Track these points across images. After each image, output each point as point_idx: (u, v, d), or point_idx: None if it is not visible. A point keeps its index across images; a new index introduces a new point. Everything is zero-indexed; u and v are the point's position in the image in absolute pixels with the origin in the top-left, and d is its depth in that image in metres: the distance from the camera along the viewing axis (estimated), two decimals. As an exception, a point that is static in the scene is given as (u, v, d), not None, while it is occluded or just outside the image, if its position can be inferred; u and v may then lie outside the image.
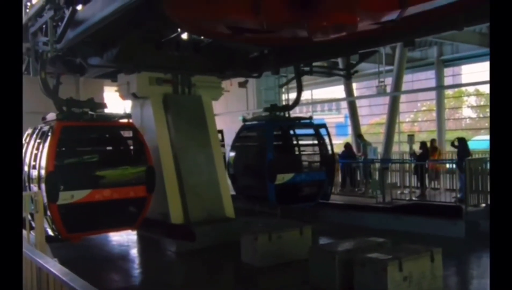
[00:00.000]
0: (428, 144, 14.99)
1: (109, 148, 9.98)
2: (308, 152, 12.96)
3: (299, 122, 12.90)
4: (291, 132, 12.75)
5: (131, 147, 9.78)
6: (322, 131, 12.57)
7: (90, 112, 9.26)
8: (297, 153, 12.59)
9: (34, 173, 8.63)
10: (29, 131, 9.62)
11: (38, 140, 8.89)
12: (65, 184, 8.34)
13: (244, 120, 13.45)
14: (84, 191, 8.47)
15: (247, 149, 12.67)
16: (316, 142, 12.52)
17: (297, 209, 11.83)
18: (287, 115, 12.83)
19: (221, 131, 16.21)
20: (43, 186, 8.24)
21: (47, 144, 8.42)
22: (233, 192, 12.37)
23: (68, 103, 9.30)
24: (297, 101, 12.91)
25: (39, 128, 9.25)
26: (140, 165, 9.24)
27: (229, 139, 16.05)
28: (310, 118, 12.83)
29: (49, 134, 8.56)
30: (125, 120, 9.72)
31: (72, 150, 9.16)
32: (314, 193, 12.04)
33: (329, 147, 12.39)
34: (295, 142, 12.76)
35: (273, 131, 12.14)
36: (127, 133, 9.73)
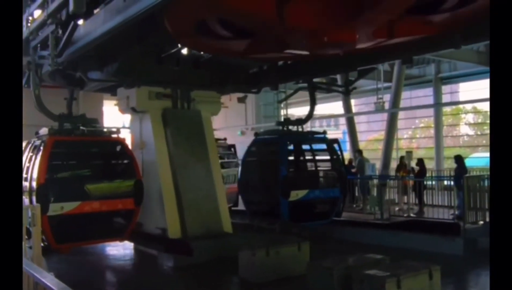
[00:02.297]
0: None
1: (99, 162, 10.03)
2: (322, 168, 12.42)
3: (312, 136, 12.58)
4: (304, 146, 12.30)
5: (120, 161, 9.98)
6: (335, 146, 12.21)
7: (81, 127, 9.44)
8: (311, 168, 12.24)
9: (26, 185, 8.74)
10: (23, 145, 9.68)
11: (30, 154, 9.10)
12: (56, 196, 8.53)
13: (256, 133, 13.09)
14: (73, 203, 8.68)
15: (258, 164, 12.29)
16: (329, 157, 12.06)
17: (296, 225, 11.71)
18: (299, 129, 12.46)
19: (233, 146, 16.09)
20: (34, 198, 8.40)
21: (39, 157, 8.63)
22: (242, 207, 12.28)
23: (61, 118, 9.53)
24: (310, 115, 12.66)
25: (32, 142, 9.44)
26: (129, 179, 9.43)
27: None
28: (324, 132, 12.41)
29: (41, 148, 8.77)
30: (115, 135, 9.93)
31: (63, 164, 9.36)
32: (328, 210, 11.66)
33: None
34: (308, 157, 12.35)
35: (287, 146, 11.69)
36: (117, 148, 9.88)
